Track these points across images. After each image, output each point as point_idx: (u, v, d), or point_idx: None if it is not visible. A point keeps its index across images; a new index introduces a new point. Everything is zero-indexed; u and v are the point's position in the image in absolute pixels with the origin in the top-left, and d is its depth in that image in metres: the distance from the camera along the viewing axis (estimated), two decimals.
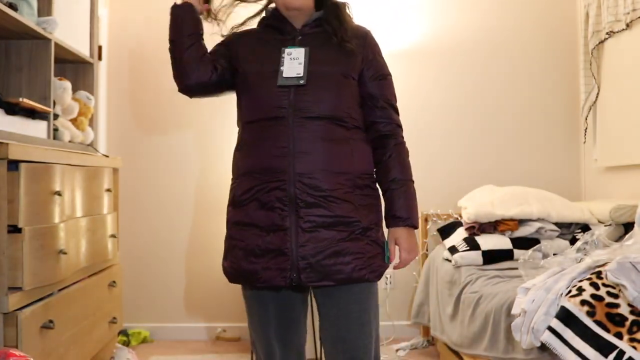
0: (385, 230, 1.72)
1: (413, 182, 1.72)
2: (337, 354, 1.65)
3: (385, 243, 1.68)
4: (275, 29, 1.72)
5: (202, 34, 1.72)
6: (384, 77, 1.72)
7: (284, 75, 1.60)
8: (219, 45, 1.78)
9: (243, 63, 1.69)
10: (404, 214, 1.66)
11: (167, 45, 1.72)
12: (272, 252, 1.56)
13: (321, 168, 1.57)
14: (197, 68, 1.68)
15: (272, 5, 1.77)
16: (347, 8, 1.74)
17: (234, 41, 1.75)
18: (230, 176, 1.74)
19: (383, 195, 1.71)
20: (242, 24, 1.81)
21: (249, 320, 1.74)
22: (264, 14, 1.79)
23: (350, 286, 1.60)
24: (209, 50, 1.75)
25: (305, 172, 1.56)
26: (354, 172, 1.62)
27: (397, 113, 1.75)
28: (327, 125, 1.60)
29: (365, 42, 1.71)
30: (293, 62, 1.61)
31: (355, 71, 1.67)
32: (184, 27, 1.69)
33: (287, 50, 1.63)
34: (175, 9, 1.71)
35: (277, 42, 1.67)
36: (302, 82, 1.58)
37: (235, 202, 1.65)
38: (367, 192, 1.65)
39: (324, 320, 1.67)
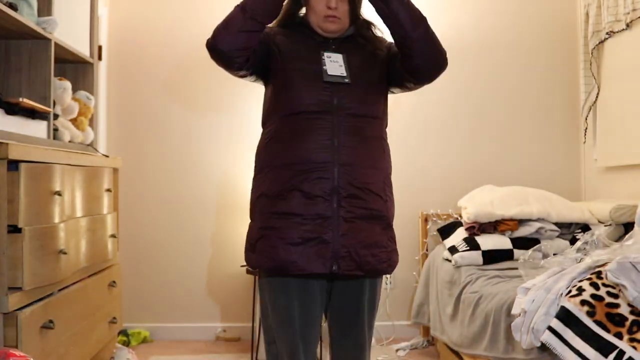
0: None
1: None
2: (345, 340, 1.77)
3: None
4: (307, 35, 1.77)
5: (265, 27, 1.67)
6: None
7: (329, 72, 1.68)
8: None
9: (284, 60, 1.71)
10: None
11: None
12: (312, 240, 1.61)
13: (362, 162, 1.66)
14: (235, 51, 1.62)
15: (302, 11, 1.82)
16: (374, 27, 1.86)
17: (272, 36, 1.75)
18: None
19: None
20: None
21: (272, 316, 1.72)
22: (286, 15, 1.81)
23: (365, 279, 1.73)
24: None
25: (348, 164, 1.64)
26: (384, 169, 1.75)
27: None
28: (366, 122, 1.70)
29: (388, 42, 1.84)
30: (334, 64, 1.70)
31: (385, 69, 1.78)
32: (263, 6, 1.61)
33: (326, 54, 1.71)
34: None
35: (314, 45, 1.74)
36: (347, 80, 1.68)
37: (273, 193, 1.66)
38: (390, 191, 1.77)
39: (336, 308, 1.76)
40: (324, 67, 1.68)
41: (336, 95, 1.66)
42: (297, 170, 1.63)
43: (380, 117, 1.76)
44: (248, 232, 1.76)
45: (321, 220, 1.61)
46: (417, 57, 1.68)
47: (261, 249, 1.66)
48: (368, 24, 1.85)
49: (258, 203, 1.72)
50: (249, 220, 1.78)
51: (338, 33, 1.77)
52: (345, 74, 1.68)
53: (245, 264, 3.31)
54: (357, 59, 1.74)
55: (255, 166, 1.78)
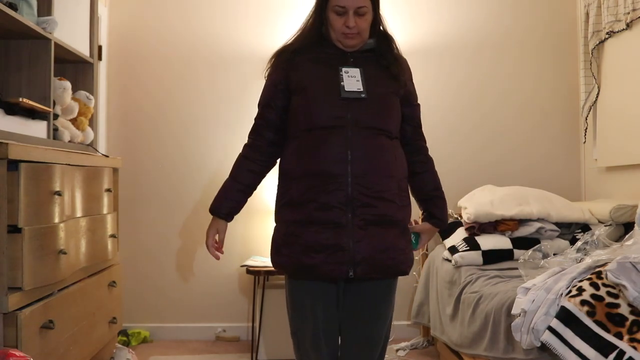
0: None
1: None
2: (357, 332, 1.85)
3: (417, 235, 1.94)
4: (327, 48, 1.86)
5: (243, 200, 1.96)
6: (415, 101, 1.95)
7: (346, 89, 1.77)
8: (274, 87, 1.87)
9: (304, 80, 1.82)
10: (445, 219, 1.98)
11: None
12: (330, 247, 1.73)
13: (374, 172, 1.76)
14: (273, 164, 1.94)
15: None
16: (394, 41, 1.92)
17: (290, 64, 1.85)
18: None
19: (425, 200, 1.96)
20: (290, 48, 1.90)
21: (296, 313, 1.87)
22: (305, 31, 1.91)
23: (388, 279, 1.86)
24: (270, 102, 1.88)
25: (361, 175, 1.74)
26: (397, 176, 1.83)
27: (423, 134, 2.02)
28: (378, 135, 1.79)
29: (405, 71, 1.92)
30: (351, 79, 1.79)
31: (399, 93, 1.87)
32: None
33: (344, 69, 1.80)
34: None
35: (332, 61, 1.83)
36: (363, 95, 1.77)
37: (293, 203, 1.79)
38: (405, 195, 1.87)
39: (352, 305, 1.85)
40: (342, 83, 1.77)
41: (351, 110, 1.75)
42: (315, 182, 1.75)
43: (391, 129, 1.83)
44: (273, 236, 1.89)
45: (338, 229, 1.73)
46: None
47: (285, 253, 1.81)
48: (388, 40, 1.90)
49: (281, 210, 1.85)
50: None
51: (358, 46, 1.85)
52: (361, 89, 1.77)
53: (244, 264, 3.33)
54: (375, 73, 1.83)
55: (279, 174, 1.90)
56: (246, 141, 1.95)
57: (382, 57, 1.86)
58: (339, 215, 1.73)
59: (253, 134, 1.93)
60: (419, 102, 1.98)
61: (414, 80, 1.98)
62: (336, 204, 1.73)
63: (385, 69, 1.85)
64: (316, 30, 1.86)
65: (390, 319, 1.92)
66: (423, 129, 2.04)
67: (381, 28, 1.90)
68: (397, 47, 1.92)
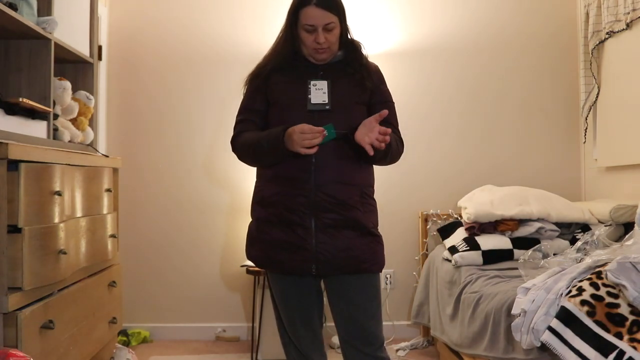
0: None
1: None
2: (349, 332, 1.94)
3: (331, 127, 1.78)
4: (299, 62, 1.98)
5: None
6: (387, 102, 2.01)
7: (312, 102, 1.90)
8: (255, 95, 2.00)
9: (276, 94, 1.96)
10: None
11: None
12: (295, 246, 1.87)
13: (336, 180, 1.87)
14: None
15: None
16: (362, 47, 2.02)
17: (266, 79, 1.99)
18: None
19: None
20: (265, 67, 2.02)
21: (276, 301, 2.03)
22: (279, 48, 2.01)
23: (358, 276, 1.91)
24: (251, 106, 2.00)
25: (324, 183, 1.86)
26: (361, 184, 1.93)
27: (399, 133, 2.00)
28: (342, 144, 1.87)
29: (374, 75, 2.01)
30: (318, 92, 1.91)
31: (366, 99, 1.97)
32: (274, 160, 1.88)
33: (312, 82, 1.93)
34: (284, 151, 1.79)
35: (302, 74, 1.95)
36: (327, 107, 1.89)
37: (264, 202, 1.93)
38: (370, 201, 1.96)
39: (335, 306, 1.96)
40: (309, 95, 1.90)
41: (317, 121, 1.83)
42: (283, 186, 1.89)
43: None
44: (248, 230, 2.02)
45: (302, 230, 1.86)
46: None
47: (258, 248, 1.96)
48: (355, 49, 2.00)
49: (255, 208, 1.99)
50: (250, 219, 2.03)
51: (329, 59, 1.97)
52: (326, 101, 1.89)
53: (244, 264, 3.34)
54: (342, 85, 1.93)
55: (256, 173, 2.03)
56: (231, 139, 2.02)
57: (349, 65, 1.96)
58: (302, 217, 1.85)
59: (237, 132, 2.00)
60: (393, 102, 2.03)
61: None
62: (300, 207, 1.85)
63: (351, 76, 1.95)
64: (289, 47, 1.96)
65: (376, 307, 1.96)
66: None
67: (349, 37, 2.00)
68: (364, 54, 2.01)
